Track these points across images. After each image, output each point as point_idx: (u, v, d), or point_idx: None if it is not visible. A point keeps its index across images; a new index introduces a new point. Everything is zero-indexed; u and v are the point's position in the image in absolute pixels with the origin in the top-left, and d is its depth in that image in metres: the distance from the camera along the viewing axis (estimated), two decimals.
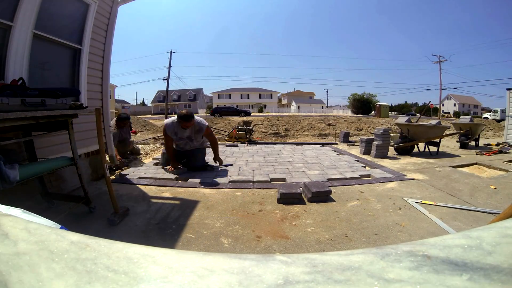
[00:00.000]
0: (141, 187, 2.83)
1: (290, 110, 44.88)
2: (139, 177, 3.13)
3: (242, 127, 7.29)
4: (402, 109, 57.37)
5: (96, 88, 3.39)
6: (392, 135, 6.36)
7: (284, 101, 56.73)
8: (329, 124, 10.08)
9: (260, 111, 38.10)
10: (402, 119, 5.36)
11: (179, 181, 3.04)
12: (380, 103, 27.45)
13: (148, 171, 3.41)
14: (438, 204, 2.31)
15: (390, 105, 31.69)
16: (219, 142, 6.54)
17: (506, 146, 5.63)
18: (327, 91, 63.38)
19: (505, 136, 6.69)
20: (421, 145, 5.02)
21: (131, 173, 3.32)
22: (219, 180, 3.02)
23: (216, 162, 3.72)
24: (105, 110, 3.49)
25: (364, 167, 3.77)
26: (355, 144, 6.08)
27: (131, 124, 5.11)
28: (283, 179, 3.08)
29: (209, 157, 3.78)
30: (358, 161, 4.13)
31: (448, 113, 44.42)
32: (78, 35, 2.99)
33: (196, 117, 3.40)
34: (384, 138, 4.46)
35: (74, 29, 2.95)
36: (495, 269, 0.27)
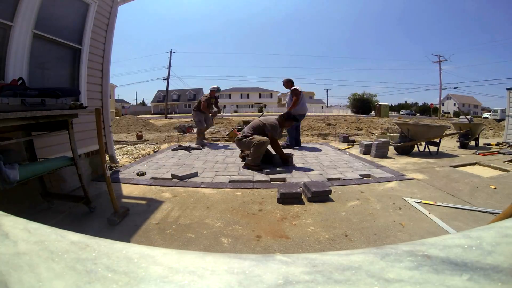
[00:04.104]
0: (141, 187, 2.83)
1: None
2: (139, 177, 3.13)
3: (242, 126, 7.29)
4: (402, 109, 57.55)
5: (96, 88, 3.39)
6: (392, 135, 6.34)
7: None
8: (329, 124, 10.07)
9: (260, 110, 38.10)
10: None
11: (179, 181, 3.04)
12: (380, 103, 27.42)
13: (148, 171, 3.42)
14: (438, 204, 2.31)
15: (390, 105, 31.69)
16: (219, 142, 6.54)
17: (506, 147, 5.63)
18: (327, 91, 63.82)
19: (505, 136, 6.68)
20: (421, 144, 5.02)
21: (131, 173, 3.32)
22: (219, 180, 3.02)
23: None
24: (105, 110, 3.49)
25: (364, 167, 3.77)
26: (355, 144, 6.08)
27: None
28: (283, 179, 3.08)
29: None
30: (358, 160, 4.13)
31: (448, 113, 44.42)
32: (78, 35, 2.99)
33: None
34: (384, 141, 4.51)
35: (74, 29, 2.95)
36: (495, 269, 0.27)
